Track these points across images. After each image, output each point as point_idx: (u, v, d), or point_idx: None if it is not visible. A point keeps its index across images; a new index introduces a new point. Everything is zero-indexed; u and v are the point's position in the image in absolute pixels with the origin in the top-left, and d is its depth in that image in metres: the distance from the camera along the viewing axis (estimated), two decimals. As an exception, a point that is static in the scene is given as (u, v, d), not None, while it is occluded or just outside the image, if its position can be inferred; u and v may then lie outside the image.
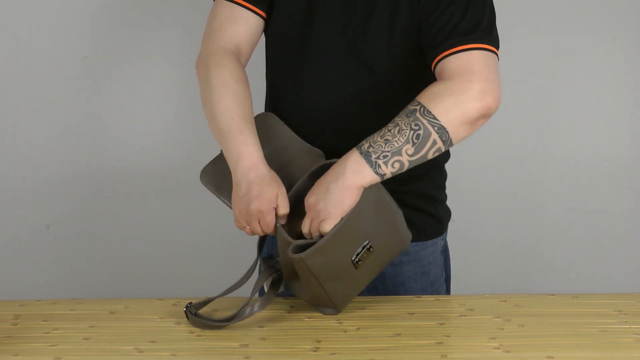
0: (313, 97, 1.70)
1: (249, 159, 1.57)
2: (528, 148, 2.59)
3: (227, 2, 1.70)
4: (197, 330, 1.52)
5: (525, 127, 2.58)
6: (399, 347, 1.45)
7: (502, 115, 2.46)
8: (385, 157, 1.52)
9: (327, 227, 1.51)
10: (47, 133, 2.54)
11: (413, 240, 1.69)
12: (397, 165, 1.53)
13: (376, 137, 1.54)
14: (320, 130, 1.70)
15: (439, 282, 1.83)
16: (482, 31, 1.59)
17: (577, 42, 2.51)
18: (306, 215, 1.55)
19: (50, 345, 1.46)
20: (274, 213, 1.55)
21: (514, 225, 2.62)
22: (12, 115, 2.52)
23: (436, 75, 1.60)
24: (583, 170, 2.58)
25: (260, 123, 1.68)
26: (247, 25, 1.70)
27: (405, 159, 1.53)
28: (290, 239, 1.53)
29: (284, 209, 1.56)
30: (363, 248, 1.55)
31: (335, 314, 1.59)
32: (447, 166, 1.86)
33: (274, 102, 1.77)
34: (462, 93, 1.54)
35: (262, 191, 1.54)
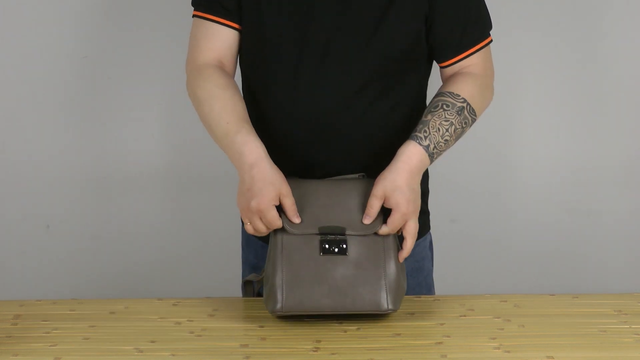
0: (308, 98, 1.67)
1: (250, 156, 1.57)
2: (528, 148, 2.59)
3: (202, 20, 1.71)
4: (197, 330, 1.52)
5: (526, 127, 2.58)
6: (399, 347, 1.45)
7: (502, 115, 2.47)
8: (440, 155, 1.63)
9: (413, 225, 1.57)
10: (47, 133, 2.53)
11: None
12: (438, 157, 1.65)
13: (437, 137, 1.61)
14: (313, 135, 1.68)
15: (430, 276, 1.84)
16: (489, 21, 1.73)
17: (579, 40, 2.51)
18: (393, 215, 1.55)
19: (50, 345, 1.46)
20: (275, 211, 1.55)
21: (513, 226, 2.62)
22: (11, 115, 2.52)
23: (454, 68, 1.70)
24: (582, 170, 2.58)
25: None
26: (222, 40, 1.70)
27: (446, 152, 1.66)
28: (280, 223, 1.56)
29: (291, 212, 1.56)
30: (339, 236, 1.54)
31: (278, 312, 1.51)
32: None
33: (257, 110, 1.72)
34: (487, 89, 1.72)
35: (263, 189, 1.54)
